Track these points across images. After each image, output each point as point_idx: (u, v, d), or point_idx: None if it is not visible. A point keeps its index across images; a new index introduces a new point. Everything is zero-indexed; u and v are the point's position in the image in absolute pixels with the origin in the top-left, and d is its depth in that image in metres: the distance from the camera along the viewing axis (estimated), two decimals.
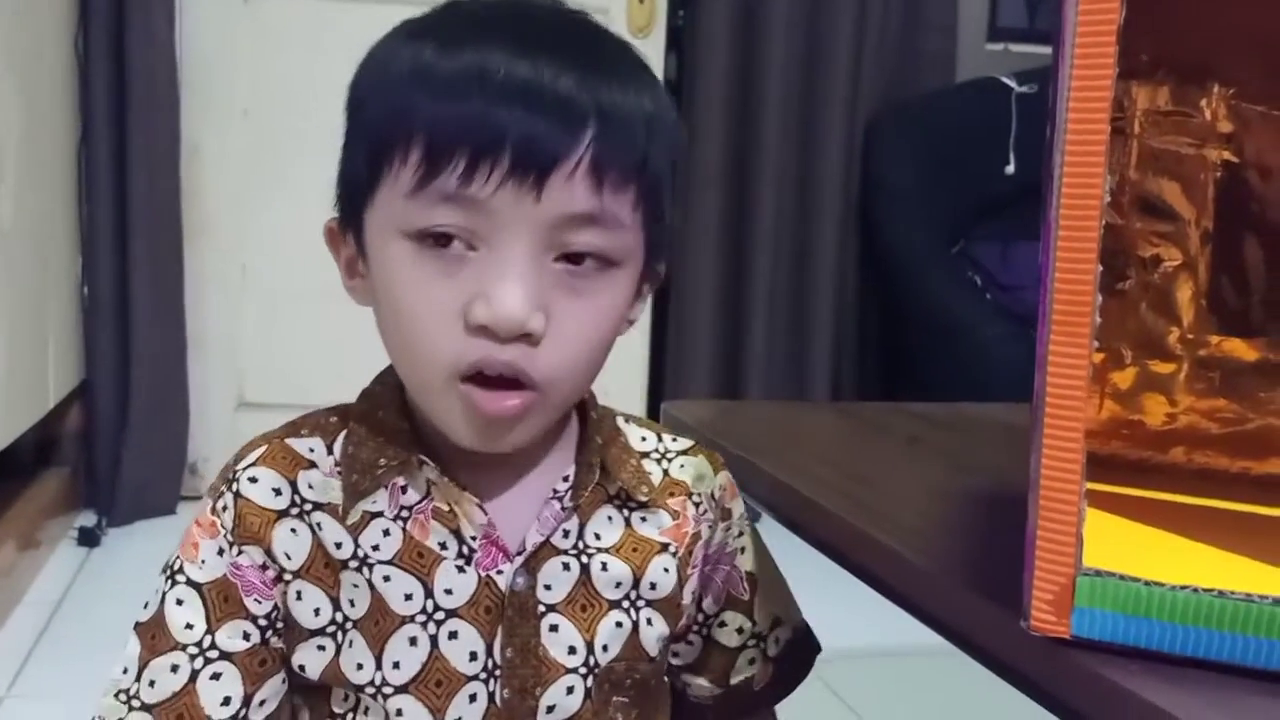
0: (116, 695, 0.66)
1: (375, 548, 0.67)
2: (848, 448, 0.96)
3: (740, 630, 0.78)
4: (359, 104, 0.67)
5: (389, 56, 0.66)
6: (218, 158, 2.56)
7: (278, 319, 2.62)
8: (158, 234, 2.47)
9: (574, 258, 0.63)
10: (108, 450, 2.49)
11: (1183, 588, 0.48)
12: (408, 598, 0.66)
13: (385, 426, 0.69)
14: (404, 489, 0.68)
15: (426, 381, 0.64)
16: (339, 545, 0.67)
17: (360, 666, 0.66)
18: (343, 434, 0.69)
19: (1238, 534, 0.62)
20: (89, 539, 2.31)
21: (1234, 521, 0.66)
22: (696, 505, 0.74)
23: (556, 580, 0.69)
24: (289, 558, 0.66)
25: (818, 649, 0.82)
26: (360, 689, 0.66)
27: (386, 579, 0.66)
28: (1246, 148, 0.71)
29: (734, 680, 0.79)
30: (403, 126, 0.62)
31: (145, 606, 0.68)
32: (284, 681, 0.68)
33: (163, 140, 2.45)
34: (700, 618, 0.78)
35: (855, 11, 2.79)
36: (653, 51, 2.62)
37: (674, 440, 0.77)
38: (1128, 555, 0.54)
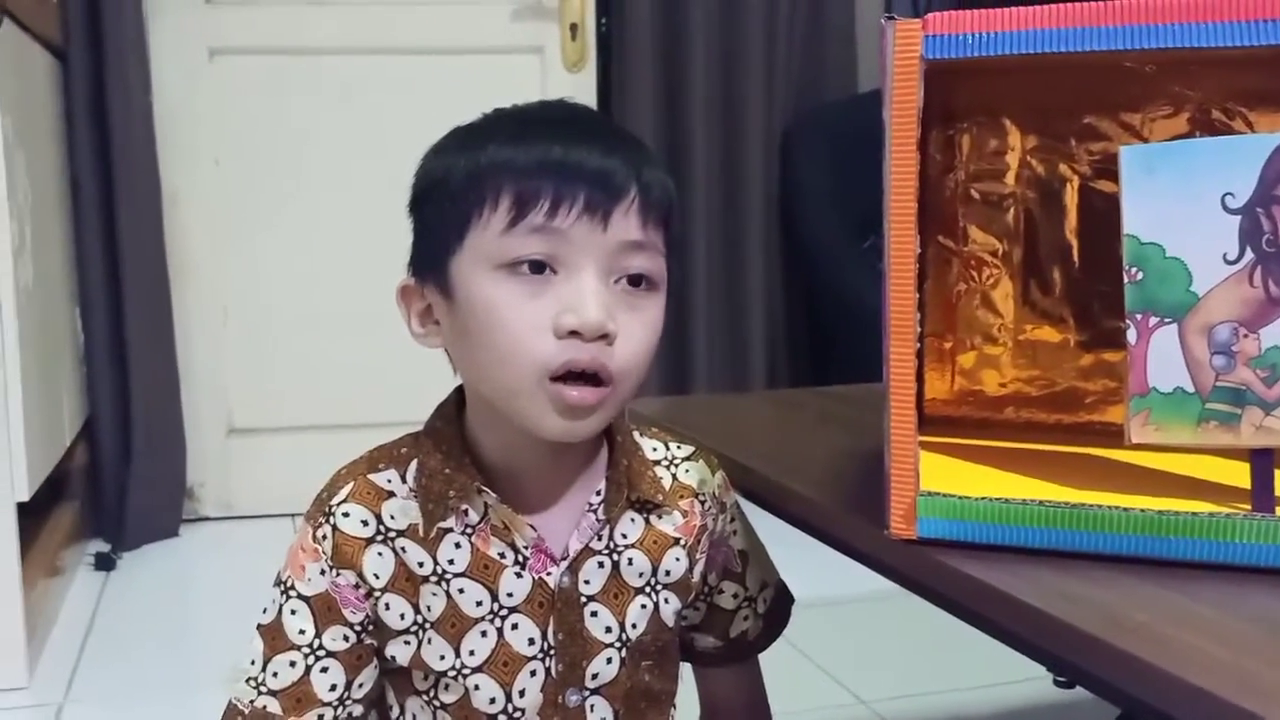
0: (247, 681, 0.81)
1: (451, 562, 0.80)
2: (772, 426, 1.19)
3: (735, 595, 0.93)
4: (437, 185, 0.80)
5: (460, 147, 0.79)
6: (194, 204, 2.70)
7: (259, 351, 2.76)
8: (146, 279, 2.60)
9: (631, 280, 0.78)
10: (113, 482, 2.62)
11: (982, 498, 0.71)
12: (479, 604, 0.80)
13: (450, 460, 0.81)
14: (466, 511, 0.81)
15: (519, 385, 0.76)
16: (421, 564, 0.80)
17: (443, 657, 0.80)
18: (413, 463, 0.82)
19: (1050, 465, 0.83)
20: (105, 563, 2.47)
21: (1050, 457, 0.88)
22: (702, 504, 0.88)
23: (594, 576, 0.83)
24: (377, 577, 0.80)
25: (793, 600, 0.97)
26: (443, 674, 0.80)
27: (461, 590, 0.80)
28: (1041, 189, 0.96)
29: (733, 634, 0.94)
30: (491, 181, 0.76)
31: (264, 612, 0.82)
32: (376, 667, 0.83)
33: (145, 191, 2.59)
34: (705, 589, 0.92)
35: (765, 23, 2.94)
36: (585, 86, 2.78)
37: (678, 448, 0.91)
38: (962, 483, 0.75)
